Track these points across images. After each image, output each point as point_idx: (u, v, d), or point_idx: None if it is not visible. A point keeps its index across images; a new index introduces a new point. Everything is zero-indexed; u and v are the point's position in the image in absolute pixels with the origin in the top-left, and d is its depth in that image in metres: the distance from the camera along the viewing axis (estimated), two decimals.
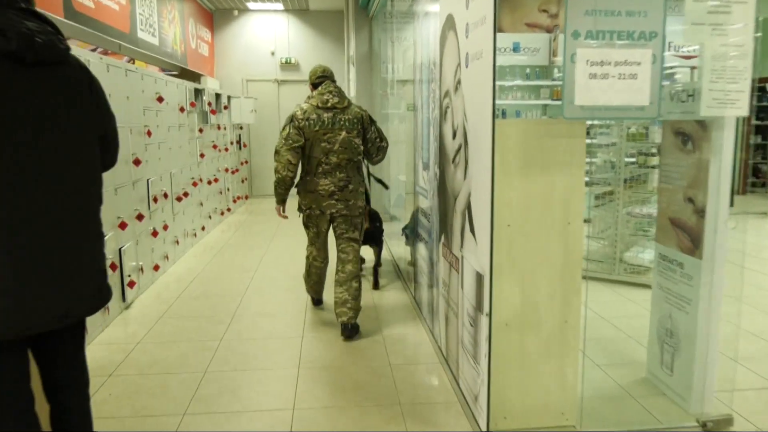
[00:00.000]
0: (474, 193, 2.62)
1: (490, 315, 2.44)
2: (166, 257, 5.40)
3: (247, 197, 9.81)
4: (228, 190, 8.26)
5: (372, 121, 3.79)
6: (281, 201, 3.81)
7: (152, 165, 5.04)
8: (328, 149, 3.65)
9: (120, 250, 4.27)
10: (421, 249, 4.12)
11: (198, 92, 6.77)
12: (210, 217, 7.18)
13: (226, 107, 8.03)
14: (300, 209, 3.79)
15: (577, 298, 2.52)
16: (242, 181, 9.41)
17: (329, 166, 3.66)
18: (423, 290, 4.09)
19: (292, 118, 3.70)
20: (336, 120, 3.67)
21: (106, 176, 3.79)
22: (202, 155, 6.74)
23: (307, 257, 3.98)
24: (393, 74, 6.14)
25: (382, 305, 4.49)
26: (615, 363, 3.30)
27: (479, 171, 2.51)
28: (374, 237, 4.77)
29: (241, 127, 9.24)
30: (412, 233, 4.53)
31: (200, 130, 6.73)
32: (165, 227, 5.34)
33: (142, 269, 4.71)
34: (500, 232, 2.46)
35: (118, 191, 4.28)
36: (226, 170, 8.16)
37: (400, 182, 5.72)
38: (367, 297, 4.67)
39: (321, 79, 3.80)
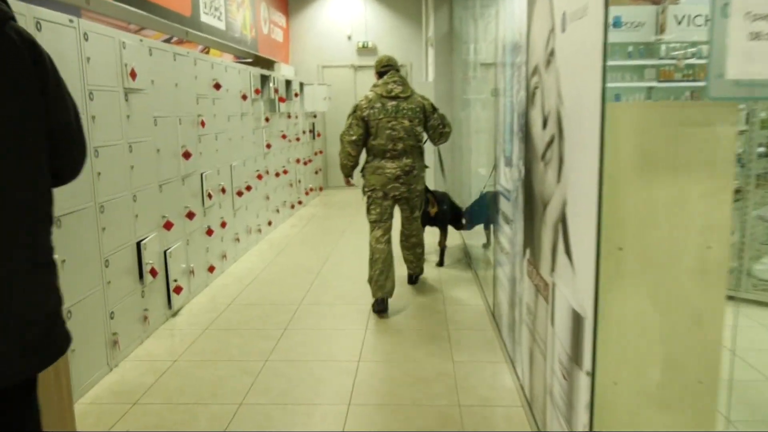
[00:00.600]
0: (571, 202, 1.93)
1: (593, 374, 1.75)
2: (224, 257, 4.99)
3: (321, 189, 9.41)
4: (299, 182, 7.86)
5: (434, 109, 3.98)
6: (347, 176, 4.12)
7: (207, 157, 4.62)
8: (394, 136, 3.87)
9: (165, 252, 3.85)
10: (502, 240, 3.41)
11: (264, 79, 6.33)
12: (278, 210, 6.77)
13: (297, 95, 7.57)
14: (364, 191, 4.00)
15: (715, 353, 1.78)
16: (315, 173, 8.98)
17: (396, 151, 3.88)
18: (502, 297, 3.41)
19: (355, 108, 3.92)
20: (399, 109, 3.86)
21: (148, 171, 3.52)
22: (268, 146, 6.31)
23: (371, 243, 4.02)
24: (475, 56, 5.43)
25: (455, 316, 3.85)
26: (759, 420, 2.51)
27: (579, 172, 1.82)
28: (440, 219, 4.89)
29: (314, 116, 8.81)
30: (477, 216, 4.45)
31: (267, 119, 6.29)
32: (223, 224, 4.93)
33: (193, 272, 4.28)
34: (609, 259, 1.76)
35: (163, 188, 3.85)
36: (298, 161, 7.76)
37: (481, 177, 5.05)
38: (435, 290, 4.13)
39: (386, 68, 4.00)
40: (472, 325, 3.76)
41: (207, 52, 6.62)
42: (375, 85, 3.98)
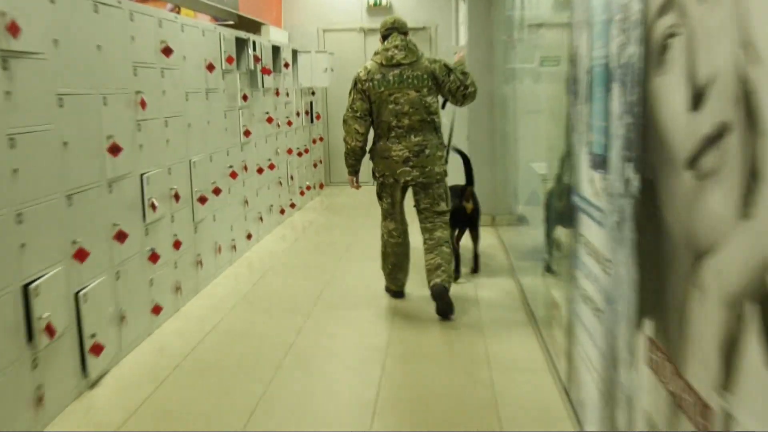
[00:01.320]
0: None
1: None
2: (179, 289, 4.21)
3: (321, 186, 8.69)
4: (292, 179, 7.15)
5: (449, 70, 3.96)
6: (353, 172, 4.19)
7: (151, 152, 3.84)
8: (398, 111, 3.92)
9: (77, 295, 3.03)
10: (584, 284, 2.59)
11: (241, 44, 5.53)
12: (261, 218, 6.01)
13: (287, 65, 6.80)
14: (374, 176, 4.08)
15: None
16: (314, 166, 8.28)
17: (402, 129, 3.93)
18: (585, 377, 2.55)
19: (355, 81, 4.00)
20: (403, 78, 3.92)
21: (46, 176, 2.52)
22: (246, 133, 5.54)
23: (383, 235, 4.18)
24: (523, 12, 4.64)
25: (507, 393, 2.98)
26: None
27: None
28: (475, 217, 4.86)
29: (312, 92, 8.16)
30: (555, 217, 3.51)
31: (245, 98, 5.54)
32: (176, 245, 4.14)
33: (124, 318, 3.47)
34: None
35: (75, 199, 3.04)
36: (289, 152, 7.04)
37: (534, 174, 4.27)
38: (472, 331, 3.52)
39: (389, 31, 4.01)
40: (537, 416, 2.88)
41: (178, 12, 5.90)
42: (375, 53, 4.02)
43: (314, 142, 8.32)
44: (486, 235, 6.00)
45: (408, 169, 3.97)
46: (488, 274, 4.92)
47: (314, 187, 8.31)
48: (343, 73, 8.40)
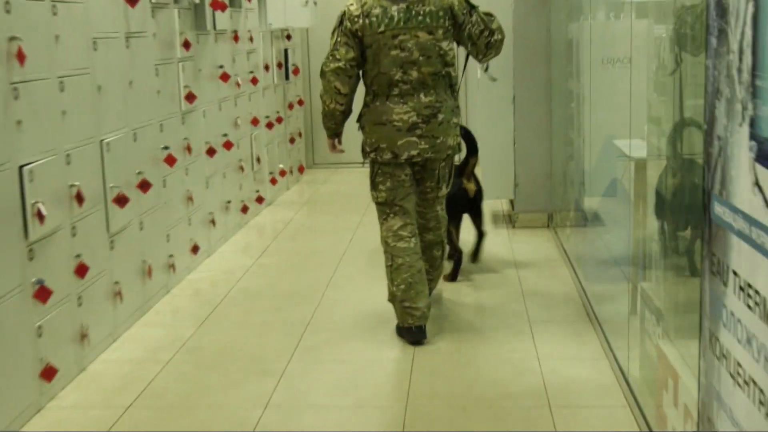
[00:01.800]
0: None
1: None
2: (84, 337, 3.84)
3: (301, 170, 8.50)
4: (258, 161, 6.87)
5: (471, 7, 4.00)
6: (333, 135, 4.23)
7: (36, 131, 3.50)
8: (404, 59, 3.91)
9: None
10: (731, 348, 2.17)
11: None
12: (213, 222, 5.64)
13: None
14: (364, 153, 4.10)
15: None
16: (290, 141, 8.03)
17: (408, 84, 3.93)
18: None
19: (342, 18, 3.98)
20: (411, 15, 3.90)
21: None
22: (189, 97, 5.15)
23: (384, 242, 4.07)
24: None
25: None
26: None
27: None
28: (478, 200, 5.07)
29: (288, 36, 7.90)
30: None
31: (186, 45, 5.15)
32: (81, 270, 3.77)
33: None
34: None
35: None
36: (255, 122, 6.76)
37: (617, 151, 4.14)
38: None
39: None
40: None
41: None
42: None
43: (290, 107, 8.06)
44: (539, 239, 5.65)
45: (414, 139, 3.93)
46: (545, 299, 4.65)
47: (291, 172, 8.07)
48: (331, 7, 8.23)
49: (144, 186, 4.42)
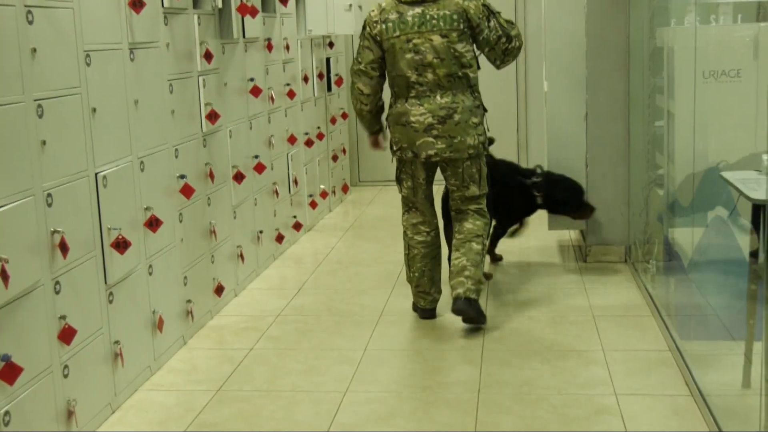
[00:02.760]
0: None
1: None
2: None
3: (345, 189, 7.94)
4: (295, 183, 6.27)
5: (489, 14, 4.14)
6: (372, 132, 4.54)
7: (6, 166, 2.76)
8: (418, 61, 4.11)
9: None
10: None
11: None
12: (240, 257, 5.03)
13: (285, 1, 5.99)
14: (392, 149, 4.37)
15: None
16: (333, 158, 7.53)
17: (424, 86, 4.14)
18: None
19: (364, 24, 4.29)
20: (426, 19, 4.10)
21: None
22: (212, 116, 4.54)
23: (405, 232, 4.46)
24: None
25: None
26: None
27: None
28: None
29: (330, 43, 7.40)
30: None
31: (208, 56, 4.57)
32: (65, 335, 3.08)
33: None
34: None
35: None
36: (292, 140, 6.17)
37: (724, 185, 3.43)
38: None
39: None
40: None
41: None
42: None
43: (333, 121, 7.52)
44: (617, 278, 5.04)
45: (431, 139, 4.13)
46: (632, 361, 3.88)
47: (334, 192, 7.51)
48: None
49: (153, 224, 3.76)
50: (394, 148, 4.29)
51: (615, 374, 3.66)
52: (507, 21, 4.17)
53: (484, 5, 4.11)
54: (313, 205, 6.63)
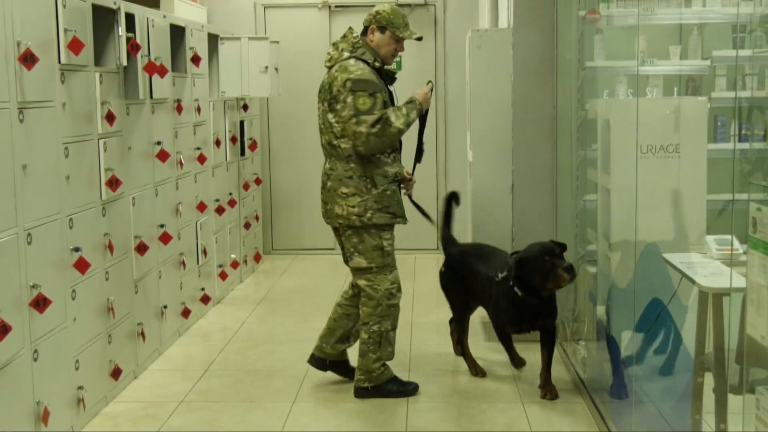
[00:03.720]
0: None
1: None
2: None
3: (258, 258, 7.68)
4: (204, 253, 5.94)
5: (349, 90, 4.09)
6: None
7: None
8: (319, 127, 4.36)
9: None
10: None
11: (105, 18, 4.18)
12: (141, 335, 4.62)
13: (196, 59, 5.67)
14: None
15: None
16: (245, 226, 7.21)
17: (324, 150, 4.34)
18: None
19: (367, 81, 4.14)
20: (322, 85, 4.31)
21: None
22: (112, 183, 4.18)
23: (388, 293, 4.29)
24: None
25: None
26: None
27: None
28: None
29: (244, 106, 7.24)
30: None
31: (109, 117, 4.17)
32: None
33: None
34: None
35: None
36: (202, 207, 5.87)
37: (665, 267, 3.40)
38: None
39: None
40: None
41: None
42: (359, 50, 4.24)
43: (246, 187, 7.28)
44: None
45: (321, 202, 4.33)
46: None
47: (245, 262, 7.20)
48: (295, 75, 8.01)
49: (40, 304, 3.36)
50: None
51: None
52: (367, 109, 4.00)
53: (349, 80, 4.01)
54: (223, 275, 6.29)
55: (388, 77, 4.20)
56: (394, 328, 4.21)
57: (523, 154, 5.03)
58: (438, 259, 7.54)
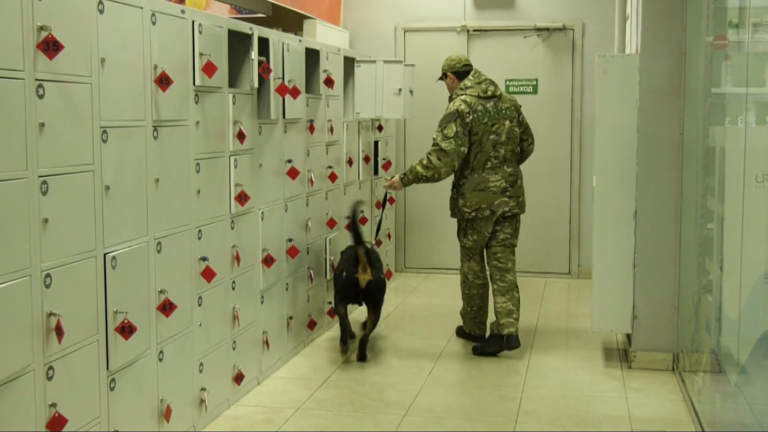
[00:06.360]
0: None
1: None
2: None
3: (389, 275, 7.52)
4: (332, 267, 5.98)
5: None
6: (407, 184, 5.54)
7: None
8: (496, 141, 5.36)
9: None
10: None
11: (239, 41, 4.47)
12: (266, 343, 4.82)
13: (330, 82, 5.73)
14: (456, 212, 5.50)
15: None
16: (376, 244, 7.09)
17: (497, 160, 5.35)
18: None
19: (457, 114, 5.32)
20: (499, 109, 5.40)
21: None
22: (241, 197, 4.41)
23: (466, 277, 5.57)
24: None
25: None
26: None
27: None
28: (374, 292, 5.32)
29: (379, 127, 7.25)
30: None
31: (240, 136, 4.39)
32: (56, 424, 2.86)
33: None
34: None
35: None
36: (332, 224, 6.02)
37: None
38: None
39: (467, 67, 5.58)
40: None
41: (182, 1, 5.53)
42: (464, 87, 5.43)
43: (378, 205, 7.21)
44: (662, 388, 4.70)
45: (506, 199, 5.29)
46: None
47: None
48: (431, 98, 7.93)
49: (167, 308, 3.60)
50: (468, 210, 5.28)
51: None
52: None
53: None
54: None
55: None
56: None
57: (647, 181, 4.94)
58: (569, 284, 7.53)
